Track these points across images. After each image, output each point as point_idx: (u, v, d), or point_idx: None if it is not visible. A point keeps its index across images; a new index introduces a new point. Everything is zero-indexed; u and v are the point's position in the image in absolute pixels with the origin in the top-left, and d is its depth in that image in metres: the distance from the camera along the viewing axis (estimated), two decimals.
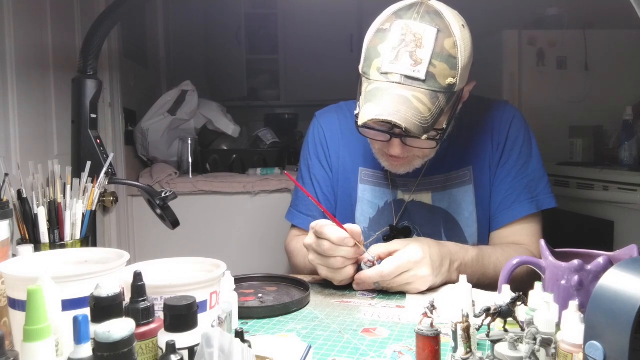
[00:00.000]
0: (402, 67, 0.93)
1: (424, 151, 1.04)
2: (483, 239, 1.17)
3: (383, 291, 0.98)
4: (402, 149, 1.02)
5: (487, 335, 0.66)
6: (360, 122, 0.94)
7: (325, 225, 0.94)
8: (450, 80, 0.93)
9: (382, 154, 1.09)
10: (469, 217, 1.16)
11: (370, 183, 1.21)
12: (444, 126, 0.99)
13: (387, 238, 1.15)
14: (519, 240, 1.14)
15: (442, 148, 1.14)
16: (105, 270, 0.61)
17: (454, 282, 0.93)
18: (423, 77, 0.92)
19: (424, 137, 0.93)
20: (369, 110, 0.92)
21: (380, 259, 0.96)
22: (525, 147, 1.17)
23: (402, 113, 0.90)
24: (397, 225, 1.18)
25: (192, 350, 0.53)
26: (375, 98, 0.93)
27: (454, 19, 0.96)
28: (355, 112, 0.99)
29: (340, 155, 1.24)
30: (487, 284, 0.98)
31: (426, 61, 0.92)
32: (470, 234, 1.16)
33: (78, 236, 0.88)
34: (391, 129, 0.98)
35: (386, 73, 0.94)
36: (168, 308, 0.53)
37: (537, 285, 0.75)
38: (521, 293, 0.68)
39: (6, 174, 0.81)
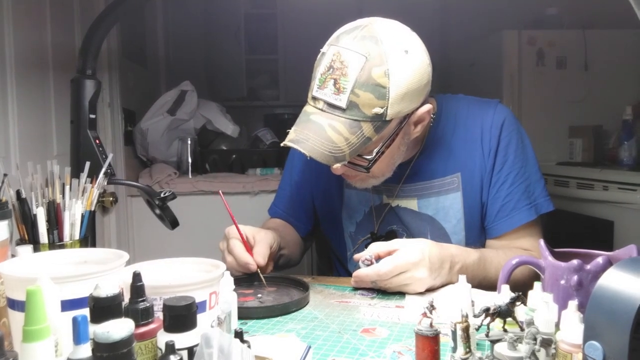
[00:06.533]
0: (326, 95, 0.94)
1: (374, 172, 1.03)
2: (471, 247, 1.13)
3: (382, 291, 0.98)
4: (342, 169, 1.02)
5: (487, 335, 0.66)
6: (282, 144, 0.97)
7: (237, 243, 1.04)
8: (377, 110, 0.92)
9: None
10: (456, 224, 1.13)
11: (354, 188, 1.18)
12: (374, 154, 0.99)
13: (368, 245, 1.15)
14: (522, 247, 1.11)
15: (426, 154, 1.13)
16: (105, 271, 0.60)
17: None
18: (344, 106, 0.93)
19: (336, 165, 0.94)
20: (289, 134, 0.96)
21: (379, 258, 0.96)
22: (519, 150, 1.12)
23: (309, 142, 0.93)
24: (380, 231, 1.17)
25: (191, 351, 0.53)
26: (297, 123, 0.97)
27: (394, 45, 0.93)
28: None
29: None
30: (489, 287, 0.97)
31: (348, 90, 0.92)
32: (458, 241, 1.13)
33: (77, 236, 0.88)
34: None
35: (314, 98, 0.97)
36: (167, 308, 0.53)
37: (537, 285, 0.75)
38: (520, 293, 0.68)
39: (5, 174, 0.81)
